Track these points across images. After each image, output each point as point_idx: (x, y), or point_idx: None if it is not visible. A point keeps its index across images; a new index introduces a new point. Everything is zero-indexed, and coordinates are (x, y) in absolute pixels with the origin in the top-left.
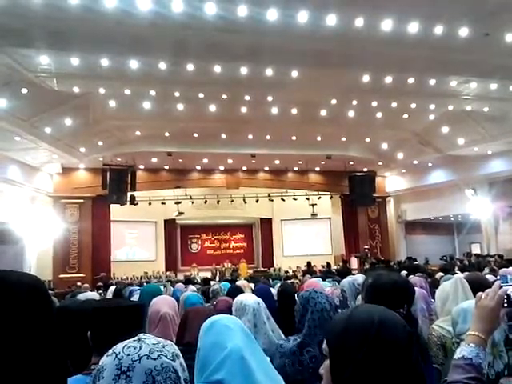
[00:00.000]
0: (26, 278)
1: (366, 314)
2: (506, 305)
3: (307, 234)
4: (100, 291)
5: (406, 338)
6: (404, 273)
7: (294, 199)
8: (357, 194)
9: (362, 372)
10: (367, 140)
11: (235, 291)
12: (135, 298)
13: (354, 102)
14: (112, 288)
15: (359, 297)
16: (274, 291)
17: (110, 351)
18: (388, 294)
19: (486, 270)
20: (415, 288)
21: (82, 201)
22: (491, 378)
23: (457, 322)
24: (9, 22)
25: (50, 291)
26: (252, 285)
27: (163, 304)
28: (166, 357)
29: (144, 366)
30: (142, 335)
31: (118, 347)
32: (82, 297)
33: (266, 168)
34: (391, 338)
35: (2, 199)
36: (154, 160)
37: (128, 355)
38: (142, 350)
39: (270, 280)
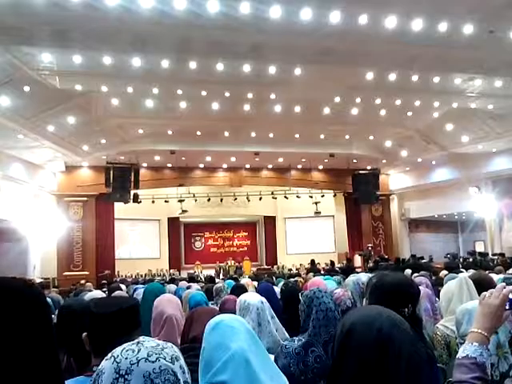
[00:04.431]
0: (17, 283)
1: (345, 320)
2: (507, 307)
3: (311, 232)
4: (104, 289)
5: (373, 346)
6: (408, 271)
7: (298, 197)
8: (360, 192)
9: (335, 377)
10: (371, 138)
11: (239, 290)
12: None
13: (358, 100)
14: (117, 292)
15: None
16: (277, 289)
17: (109, 355)
18: (392, 295)
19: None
20: (420, 287)
21: (85, 199)
22: (496, 379)
23: (461, 323)
24: (11, 20)
25: (54, 288)
26: (255, 283)
27: (167, 305)
28: (165, 359)
29: (142, 369)
30: (141, 338)
31: (117, 351)
32: (88, 296)
33: (270, 166)
34: (355, 348)
35: (6, 197)
36: (157, 158)
37: (126, 358)
38: (140, 353)
39: (274, 278)
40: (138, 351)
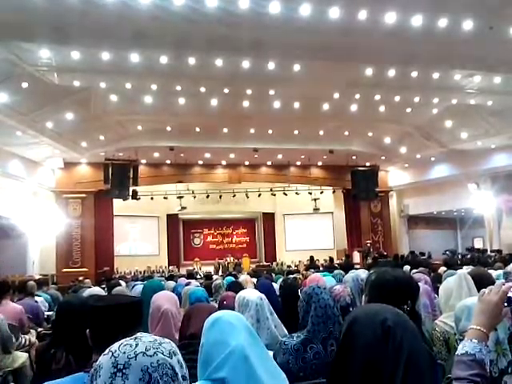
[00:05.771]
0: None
1: (349, 315)
2: (506, 304)
3: (310, 229)
4: (103, 286)
5: (376, 336)
6: (407, 268)
7: (297, 194)
8: (359, 189)
9: (336, 363)
10: (370, 134)
11: (235, 286)
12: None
13: (357, 96)
14: (117, 288)
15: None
16: (276, 286)
17: (107, 350)
18: (391, 291)
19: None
20: (419, 284)
21: (84, 196)
22: (495, 375)
23: (460, 319)
24: (9, 16)
25: (53, 285)
26: (254, 280)
27: (164, 300)
28: (163, 353)
29: (140, 363)
30: (138, 334)
31: (115, 346)
32: (87, 293)
33: (269, 162)
34: (357, 337)
35: (5, 194)
36: (156, 155)
37: (124, 353)
38: (137, 348)
39: (273, 274)
40: (136, 346)
